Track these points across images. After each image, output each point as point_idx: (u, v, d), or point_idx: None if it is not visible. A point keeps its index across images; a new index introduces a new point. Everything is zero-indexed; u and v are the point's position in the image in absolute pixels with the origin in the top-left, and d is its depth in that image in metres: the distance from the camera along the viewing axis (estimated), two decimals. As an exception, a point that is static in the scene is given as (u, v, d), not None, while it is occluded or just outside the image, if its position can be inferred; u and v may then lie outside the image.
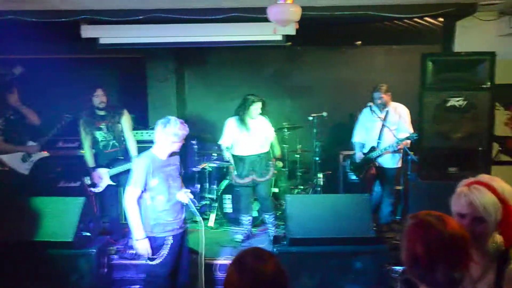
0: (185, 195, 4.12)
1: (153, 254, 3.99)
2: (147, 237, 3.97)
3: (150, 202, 3.98)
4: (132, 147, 5.60)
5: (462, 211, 2.05)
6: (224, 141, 5.86)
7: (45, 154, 6.02)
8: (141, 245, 3.93)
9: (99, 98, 5.44)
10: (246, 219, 5.99)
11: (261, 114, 5.77)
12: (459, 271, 1.71)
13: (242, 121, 5.72)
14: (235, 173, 5.87)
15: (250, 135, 5.74)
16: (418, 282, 1.78)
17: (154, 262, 3.99)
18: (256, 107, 5.68)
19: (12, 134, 5.80)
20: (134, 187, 3.90)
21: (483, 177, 2.09)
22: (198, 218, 4.25)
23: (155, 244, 3.99)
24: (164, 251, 4.00)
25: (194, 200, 4.18)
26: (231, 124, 5.82)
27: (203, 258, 4.41)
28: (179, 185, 4.20)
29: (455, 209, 2.09)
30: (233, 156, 5.91)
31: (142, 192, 3.94)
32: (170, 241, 4.03)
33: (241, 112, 5.74)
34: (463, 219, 2.04)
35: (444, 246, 1.70)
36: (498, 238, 2.05)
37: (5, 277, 4.61)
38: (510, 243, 2.03)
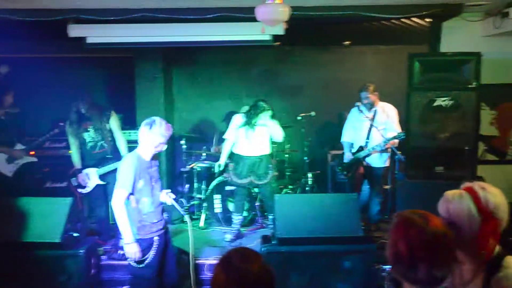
0: (167, 196, 4.10)
1: (140, 258, 3.94)
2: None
3: (135, 204, 3.92)
4: (122, 147, 5.57)
5: (441, 214, 2.12)
6: (228, 135, 5.88)
7: (33, 158, 6.00)
8: (130, 249, 3.87)
9: (84, 105, 5.40)
10: (237, 218, 6.00)
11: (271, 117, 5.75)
12: (441, 270, 1.72)
13: (249, 121, 5.72)
14: (234, 171, 5.87)
15: (254, 136, 5.74)
16: (401, 280, 1.79)
17: (141, 265, 3.94)
18: (266, 115, 5.68)
19: (1, 134, 5.77)
20: (123, 189, 3.83)
21: (476, 185, 2.12)
22: (186, 217, 4.24)
23: (142, 246, 3.93)
24: (151, 253, 3.96)
25: (179, 200, 4.18)
26: (237, 121, 5.83)
27: (192, 258, 4.41)
28: (160, 187, 4.16)
29: (439, 210, 2.15)
30: (234, 154, 5.92)
31: (129, 194, 3.88)
32: (156, 242, 3.99)
33: (250, 115, 5.74)
34: (443, 221, 2.05)
35: (426, 244, 1.71)
36: (493, 244, 2.07)
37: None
38: (488, 254, 2.05)
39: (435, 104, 4.74)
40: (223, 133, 6.10)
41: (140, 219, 3.93)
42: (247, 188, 5.94)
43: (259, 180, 5.81)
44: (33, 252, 4.60)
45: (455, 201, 2.09)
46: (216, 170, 6.16)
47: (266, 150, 5.88)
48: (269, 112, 5.69)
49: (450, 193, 2.14)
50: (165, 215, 4.29)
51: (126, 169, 3.86)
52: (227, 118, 6.72)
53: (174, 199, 4.11)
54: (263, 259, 1.80)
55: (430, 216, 1.79)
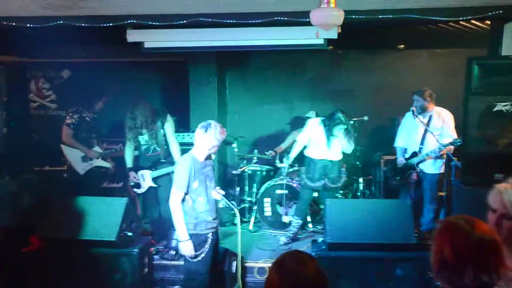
0: (216, 192, 4.23)
1: (195, 252, 4.08)
2: (190, 234, 4.07)
3: (192, 203, 4.07)
4: (174, 151, 5.67)
5: (493, 206, 2.15)
6: (301, 137, 5.91)
7: (107, 164, 6.33)
8: (185, 247, 4.03)
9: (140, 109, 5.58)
10: (296, 221, 5.98)
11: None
12: (489, 275, 1.67)
13: (326, 129, 5.72)
14: (307, 175, 5.87)
15: (326, 142, 5.74)
16: (447, 287, 1.75)
17: (195, 259, 4.09)
18: (340, 128, 5.67)
19: (82, 133, 6.13)
20: (178, 190, 4.00)
21: None
22: (235, 210, 4.38)
23: (198, 241, 4.08)
24: (206, 248, 4.11)
25: (230, 201, 4.28)
26: (313, 125, 5.85)
27: (239, 254, 4.56)
28: (214, 185, 4.30)
29: (489, 203, 2.19)
30: (306, 157, 5.94)
31: (185, 194, 4.03)
32: (210, 238, 4.15)
33: (327, 124, 5.75)
34: (494, 214, 2.16)
35: (472, 248, 1.68)
36: None
37: (49, 274, 4.76)
38: None
39: (495, 109, 4.57)
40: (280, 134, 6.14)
41: (196, 216, 4.08)
42: (314, 191, 5.93)
43: (332, 184, 5.80)
44: (90, 250, 4.78)
45: (509, 192, 2.10)
46: (285, 164, 6.20)
47: (338, 155, 5.86)
48: (344, 126, 5.67)
49: (502, 185, 2.16)
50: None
51: (181, 171, 4.02)
52: (294, 122, 6.86)
53: (224, 195, 4.23)
54: (318, 263, 1.79)
55: (477, 221, 1.76)
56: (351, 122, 5.85)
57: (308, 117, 6.48)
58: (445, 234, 1.76)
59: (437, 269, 1.76)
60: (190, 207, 4.07)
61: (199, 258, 4.09)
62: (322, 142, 5.76)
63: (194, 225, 4.09)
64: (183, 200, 4.05)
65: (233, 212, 6.72)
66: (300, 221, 6.00)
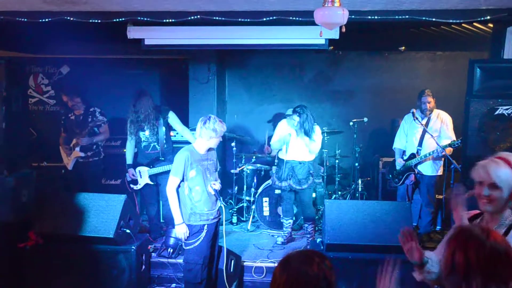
0: (209, 186, 4.36)
1: (189, 240, 4.32)
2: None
3: (188, 192, 4.31)
4: (188, 136, 5.73)
5: (480, 178, 2.34)
6: (273, 140, 5.87)
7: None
8: (180, 229, 4.31)
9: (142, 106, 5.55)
10: (287, 222, 5.98)
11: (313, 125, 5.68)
12: (498, 285, 1.67)
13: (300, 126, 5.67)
14: (277, 174, 5.87)
15: (296, 140, 5.70)
16: None
17: (189, 247, 4.33)
18: (292, 126, 5.64)
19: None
20: (174, 176, 4.27)
21: (502, 154, 2.40)
22: (219, 203, 4.46)
23: (191, 232, 4.32)
24: (200, 238, 4.30)
25: (228, 201, 4.34)
26: (281, 125, 5.82)
27: (224, 248, 4.64)
28: (216, 179, 4.48)
29: (475, 178, 2.38)
30: (278, 157, 5.94)
31: (181, 181, 4.28)
32: (205, 229, 4.34)
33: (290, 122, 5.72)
34: (481, 186, 2.34)
35: (484, 257, 1.69)
36: None
37: (47, 269, 4.76)
38: None
39: (497, 112, 4.56)
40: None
41: (192, 206, 4.30)
42: (293, 192, 5.86)
43: (298, 185, 5.72)
44: (87, 246, 4.78)
45: (492, 164, 2.32)
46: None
47: (306, 156, 5.75)
48: (296, 127, 5.64)
49: (483, 161, 2.37)
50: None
51: (178, 159, 4.29)
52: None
53: (216, 190, 4.37)
54: (326, 263, 1.78)
55: (492, 231, 1.78)
56: (306, 115, 5.61)
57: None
58: (459, 240, 1.77)
59: (447, 273, 1.76)
60: (187, 196, 4.31)
61: (195, 245, 4.31)
62: (290, 143, 5.73)
63: (189, 215, 4.31)
64: (180, 187, 4.31)
65: (231, 211, 6.73)
66: (290, 221, 6.00)
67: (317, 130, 5.71)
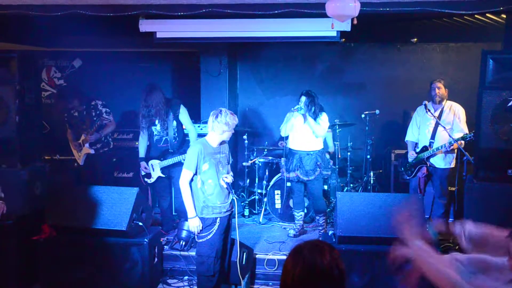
0: (222, 179, 4.36)
1: (202, 233, 4.33)
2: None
3: (201, 185, 4.30)
4: (193, 137, 5.74)
5: None
6: (282, 130, 5.85)
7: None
8: (193, 222, 4.31)
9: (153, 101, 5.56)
10: (298, 214, 5.99)
11: (321, 110, 5.69)
12: None
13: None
14: (286, 166, 5.86)
15: (302, 129, 5.71)
16: None
17: (202, 240, 4.34)
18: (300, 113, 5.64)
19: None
20: (187, 169, 4.27)
21: None
22: (231, 195, 4.45)
23: (204, 225, 4.33)
24: (212, 231, 4.32)
25: (240, 194, 4.33)
26: (289, 116, 5.77)
27: (237, 241, 4.60)
28: (228, 172, 4.49)
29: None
30: (287, 148, 5.94)
31: (194, 175, 4.28)
32: (217, 222, 4.34)
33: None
34: None
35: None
36: None
37: (60, 262, 4.82)
38: None
39: (510, 104, 4.52)
40: None
41: (204, 199, 4.32)
42: (302, 183, 5.86)
43: (305, 176, 5.71)
44: (100, 239, 4.83)
45: None
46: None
47: (313, 145, 5.74)
48: (301, 111, 5.64)
49: None
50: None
51: (191, 152, 4.31)
52: None
53: (228, 183, 4.37)
54: (337, 255, 1.79)
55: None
56: (312, 97, 5.64)
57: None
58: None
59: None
60: (200, 189, 4.31)
61: (207, 238, 4.32)
62: (296, 133, 5.74)
63: (201, 208, 4.31)
64: (193, 181, 4.31)
65: (243, 203, 6.76)
66: (302, 213, 6.01)
67: (324, 116, 5.70)
